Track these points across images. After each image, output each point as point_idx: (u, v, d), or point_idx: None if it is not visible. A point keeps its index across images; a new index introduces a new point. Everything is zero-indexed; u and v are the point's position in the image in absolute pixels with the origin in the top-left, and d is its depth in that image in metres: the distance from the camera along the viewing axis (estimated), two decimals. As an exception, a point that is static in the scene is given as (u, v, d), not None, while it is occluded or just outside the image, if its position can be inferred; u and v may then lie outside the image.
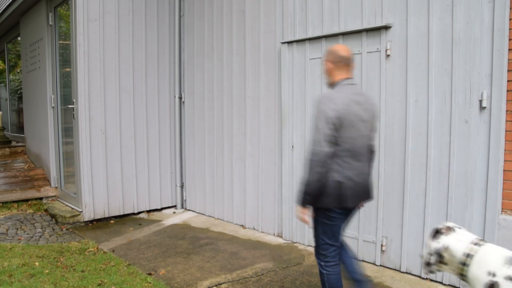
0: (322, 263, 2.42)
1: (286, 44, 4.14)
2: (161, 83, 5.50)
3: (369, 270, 3.46)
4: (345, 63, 2.39)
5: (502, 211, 2.90)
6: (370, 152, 2.46)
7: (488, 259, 1.67)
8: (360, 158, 2.34)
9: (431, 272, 1.93)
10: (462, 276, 1.79)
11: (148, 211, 5.46)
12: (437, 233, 1.88)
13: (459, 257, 1.77)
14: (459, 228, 1.88)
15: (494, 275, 1.61)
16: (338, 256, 2.46)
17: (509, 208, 2.88)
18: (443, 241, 1.84)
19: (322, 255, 2.41)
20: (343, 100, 2.25)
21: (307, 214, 2.35)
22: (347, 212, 2.37)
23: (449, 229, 1.86)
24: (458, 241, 1.79)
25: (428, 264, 1.91)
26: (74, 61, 4.82)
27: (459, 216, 3.04)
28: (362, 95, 2.40)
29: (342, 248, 2.56)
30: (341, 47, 2.44)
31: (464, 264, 1.75)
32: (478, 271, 1.68)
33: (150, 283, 3.19)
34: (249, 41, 4.60)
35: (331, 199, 2.28)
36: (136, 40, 5.22)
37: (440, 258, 1.85)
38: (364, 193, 2.40)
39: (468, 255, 1.73)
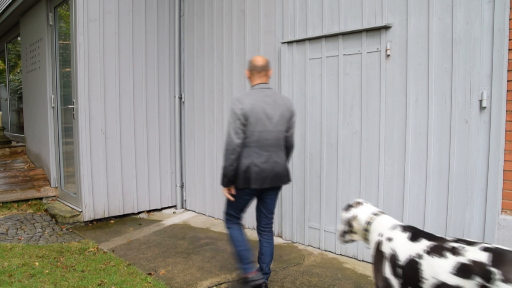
0: (227, 224, 3.07)
1: (286, 44, 4.14)
2: (161, 83, 5.50)
3: (369, 270, 3.46)
4: (258, 71, 2.92)
5: (502, 211, 2.90)
6: (283, 144, 2.94)
7: (380, 225, 2.15)
8: (268, 149, 2.85)
9: (346, 242, 2.37)
10: (366, 240, 2.24)
11: (148, 211, 5.46)
12: (349, 207, 2.35)
13: (363, 224, 2.23)
14: (366, 202, 2.35)
15: (381, 235, 2.10)
16: (239, 225, 3.07)
17: (509, 208, 2.88)
18: (353, 212, 2.31)
19: (227, 220, 3.06)
20: (250, 101, 2.78)
21: (229, 192, 2.90)
22: (253, 191, 2.89)
23: (358, 203, 2.34)
24: (363, 212, 2.27)
25: (342, 234, 2.36)
26: (74, 61, 4.82)
27: (459, 216, 3.04)
28: (272, 97, 2.87)
29: (262, 239, 3.07)
30: (258, 58, 2.95)
31: (366, 230, 2.22)
32: (373, 234, 2.16)
33: (150, 283, 3.19)
34: (249, 41, 4.61)
35: (240, 181, 2.82)
36: (136, 40, 5.22)
37: (350, 227, 2.31)
38: (271, 178, 2.87)
39: (369, 223, 2.21)
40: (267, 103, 2.83)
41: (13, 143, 8.04)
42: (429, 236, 1.98)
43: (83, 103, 4.81)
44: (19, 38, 7.65)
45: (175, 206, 5.74)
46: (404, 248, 1.98)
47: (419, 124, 3.24)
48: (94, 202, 4.94)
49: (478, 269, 1.69)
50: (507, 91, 2.81)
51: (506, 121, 2.84)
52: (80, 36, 4.73)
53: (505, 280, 1.62)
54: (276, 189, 3.01)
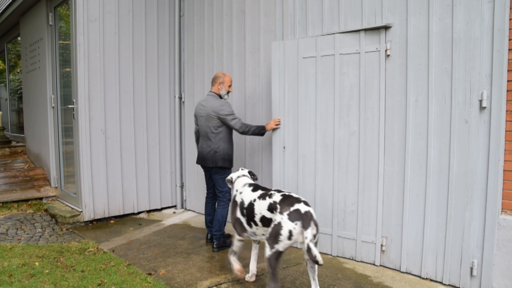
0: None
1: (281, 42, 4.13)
2: (161, 83, 5.50)
3: (369, 270, 3.46)
4: (211, 81, 4.15)
5: (502, 211, 2.90)
6: (211, 135, 3.98)
7: (238, 184, 3.26)
8: (203, 138, 4.06)
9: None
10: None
11: (148, 211, 5.46)
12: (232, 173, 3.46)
13: (232, 181, 3.34)
14: (243, 169, 3.42)
15: (237, 190, 3.23)
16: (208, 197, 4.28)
17: (509, 208, 2.88)
18: (231, 175, 3.42)
19: None
20: (197, 104, 4.18)
21: None
22: (202, 168, 4.19)
23: (239, 170, 3.41)
24: (234, 175, 3.37)
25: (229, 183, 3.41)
26: (74, 61, 4.82)
27: (459, 216, 3.04)
28: (206, 101, 4.04)
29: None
30: (219, 73, 4.11)
31: (231, 186, 3.36)
32: (233, 190, 3.28)
33: (150, 283, 3.19)
34: (249, 41, 4.61)
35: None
36: (136, 40, 5.22)
37: (231, 184, 3.36)
38: (201, 159, 4.09)
39: (232, 182, 3.34)
40: (202, 105, 4.06)
41: (13, 143, 8.04)
42: (263, 188, 3.09)
43: (83, 103, 4.81)
44: (19, 38, 7.65)
45: (175, 206, 5.74)
46: (247, 197, 3.07)
47: (419, 124, 3.24)
48: (94, 202, 4.94)
49: (274, 206, 2.80)
50: (507, 91, 2.81)
51: (506, 121, 2.84)
52: (80, 36, 4.73)
53: (280, 212, 2.72)
54: (208, 168, 4.07)
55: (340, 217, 3.75)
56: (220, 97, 4.05)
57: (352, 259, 3.71)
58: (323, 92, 3.79)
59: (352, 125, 3.63)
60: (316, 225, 2.65)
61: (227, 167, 4.03)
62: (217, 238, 4.01)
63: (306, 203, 2.72)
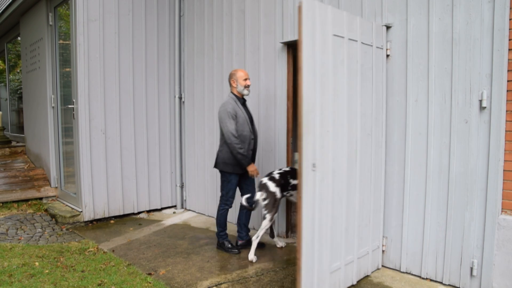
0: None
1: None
2: (161, 83, 5.50)
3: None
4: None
5: (502, 211, 2.90)
6: (220, 137, 3.92)
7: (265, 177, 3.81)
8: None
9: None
10: None
11: (148, 211, 5.46)
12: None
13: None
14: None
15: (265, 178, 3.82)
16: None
17: (509, 208, 2.88)
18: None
19: None
20: None
21: None
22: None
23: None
24: (275, 172, 3.84)
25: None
26: (74, 61, 4.82)
27: (459, 216, 3.04)
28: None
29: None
30: (231, 71, 3.92)
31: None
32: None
33: (150, 283, 3.19)
34: (249, 41, 4.61)
35: None
36: (136, 40, 5.22)
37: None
38: (215, 162, 4.01)
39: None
40: None
41: (13, 143, 8.04)
42: (270, 173, 3.80)
43: (83, 103, 4.81)
44: (19, 38, 7.65)
45: (175, 206, 5.74)
46: (266, 178, 3.77)
47: (419, 124, 3.24)
48: (94, 202, 4.94)
49: (262, 185, 3.71)
50: (507, 91, 2.81)
51: (506, 121, 2.84)
52: (80, 36, 4.73)
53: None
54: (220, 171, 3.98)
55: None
56: (238, 97, 3.83)
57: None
58: (353, 87, 3.09)
59: (367, 127, 3.27)
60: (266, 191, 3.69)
61: (227, 171, 3.85)
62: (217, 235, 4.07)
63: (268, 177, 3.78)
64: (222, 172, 3.92)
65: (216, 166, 3.96)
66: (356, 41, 3.05)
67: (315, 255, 2.76)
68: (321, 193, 2.78)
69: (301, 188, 2.63)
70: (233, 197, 3.96)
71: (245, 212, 4.05)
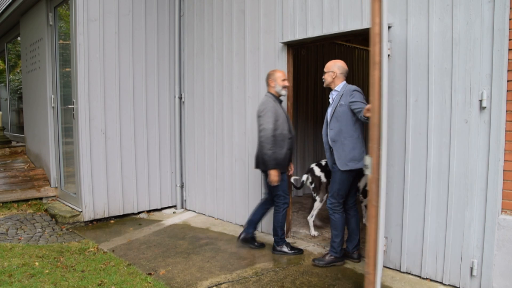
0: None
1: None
2: (161, 83, 5.50)
3: (369, 270, 3.46)
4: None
5: (502, 211, 2.90)
6: (258, 135, 3.78)
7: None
8: (258, 141, 3.81)
9: None
10: None
11: (148, 211, 5.46)
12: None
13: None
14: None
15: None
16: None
17: (509, 208, 2.88)
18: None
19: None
20: None
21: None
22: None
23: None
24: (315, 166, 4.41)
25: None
26: (74, 61, 4.82)
27: (459, 216, 3.04)
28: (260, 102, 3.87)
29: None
30: (270, 71, 3.89)
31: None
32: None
33: (150, 283, 3.19)
34: (249, 41, 4.61)
35: None
36: (136, 40, 5.22)
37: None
38: (257, 163, 3.90)
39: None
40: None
41: (13, 143, 8.04)
42: (319, 161, 4.40)
43: (83, 103, 4.81)
44: (19, 38, 7.65)
45: (175, 206, 5.74)
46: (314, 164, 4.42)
47: (419, 124, 3.24)
48: (94, 202, 4.94)
49: (310, 169, 4.34)
50: (507, 91, 2.81)
51: (506, 121, 2.84)
52: (80, 36, 4.73)
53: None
54: (264, 172, 3.86)
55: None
56: (276, 96, 3.82)
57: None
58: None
59: None
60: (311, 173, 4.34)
61: (282, 170, 3.78)
62: (275, 241, 3.94)
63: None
64: (265, 172, 3.83)
65: (264, 167, 3.77)
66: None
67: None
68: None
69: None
70: (289, 194, 3.97)
71: (262, 211, 4.04)
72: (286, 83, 3.83)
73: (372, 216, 2.37)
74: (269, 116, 3.66)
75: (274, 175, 3.67)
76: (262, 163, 3.77)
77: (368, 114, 2.97)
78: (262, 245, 4.07)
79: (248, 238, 4.06)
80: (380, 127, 2.38)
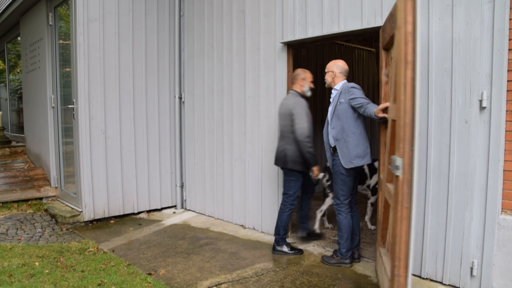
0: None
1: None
2: (161, 83, 5.50)
3: (368, 270, 3.46)
4: (291, 79, 4.00)
5: (502, 211, 2.90)
6: (288, 135, 3.79)
7: None
8: (280, 137, 3.92)
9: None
10: None
11: (148, 211, 5.46)
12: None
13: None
14: None
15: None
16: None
17: (509, 208, 2.88)
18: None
19: None
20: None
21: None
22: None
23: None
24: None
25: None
26: (74, 61, 4.82)
27: (459, 216, 3.04)
28: (286, 99, 3.86)
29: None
30: (298, 70, 3.88)
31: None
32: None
33: (150, 283, 3.19)
34: (249, 41, 4.61)
35: None
36: (136, 40, 5.22)
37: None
38: (275, 159, 3.96)
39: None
40: (281, 104, 3.91)
41: (13, 143, 8.04)
42: None
43: (83, 103, 4.81)
44: (19, 38, 7.65)
45: (175, 206, 5.74)
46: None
47: (418, 124, 3.23)
48: (94, 202, 4.94)
49: (326, 167, 4.19)
50: (507, 91, 2.81)
51: (506, 121, 2.84)
52: (80, 36, 4.72)
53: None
54: (283, 169, 3.90)
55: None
56: (302, 95, 3.85)
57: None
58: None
59: None
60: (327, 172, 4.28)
61: (298, 170, 3.79)
62: (275, 241, 3.94)
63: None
64: (291, 171, 3.81)
65: (284, 164, 3.82)
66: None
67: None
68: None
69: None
70: (298, 196, 3.95)
71: (307, 202, 4.16)
72: (313, 85, 3.91)
73: (404, 218, 2.33)
74: (304, 115, 3.70)
75: (317, 169, 3.78)
76: (291, 161, 3.76)
77: (381, 115, 2.97)
78: (319, 235, 4.34)
79: (310, 233, 4.23)
80: (413, 128, 2.33)
